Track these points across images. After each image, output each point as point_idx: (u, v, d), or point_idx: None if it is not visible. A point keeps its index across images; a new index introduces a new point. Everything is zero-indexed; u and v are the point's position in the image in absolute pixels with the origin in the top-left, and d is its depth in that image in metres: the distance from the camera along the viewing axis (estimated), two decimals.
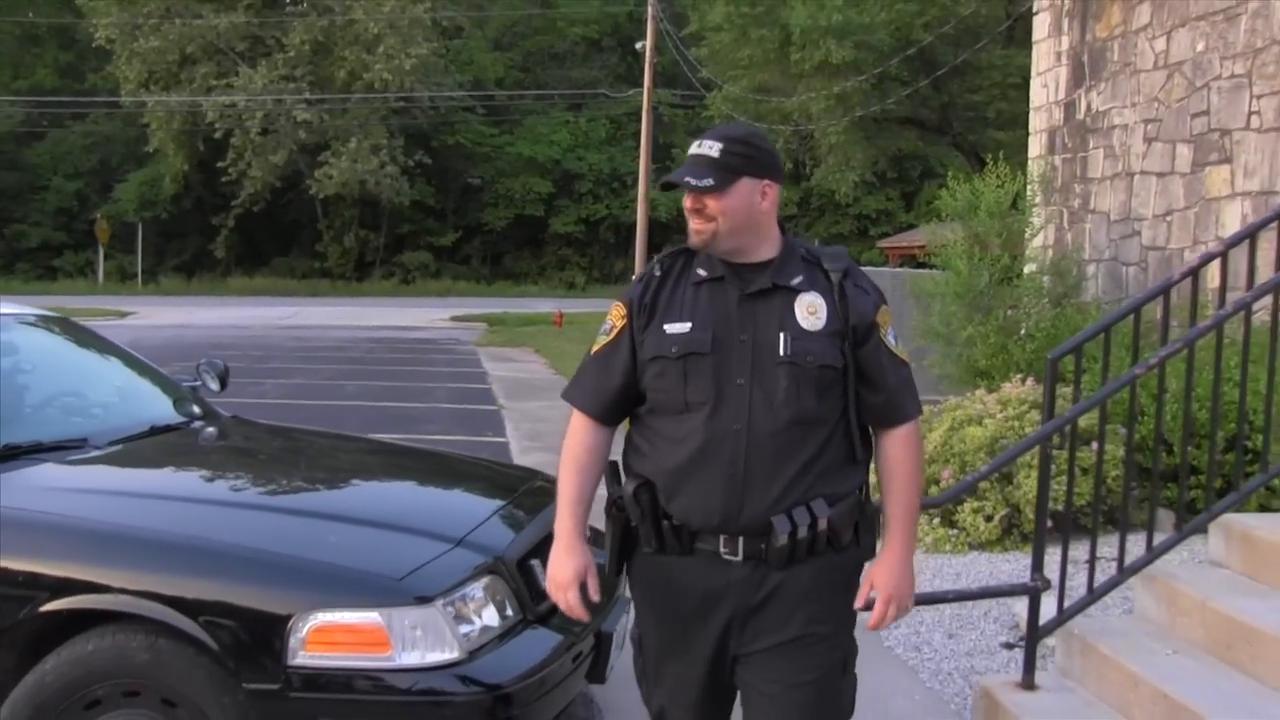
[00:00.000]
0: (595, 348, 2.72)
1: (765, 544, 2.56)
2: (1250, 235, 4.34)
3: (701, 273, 2.65)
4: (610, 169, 46.48)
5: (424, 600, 3.17)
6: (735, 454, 2.55)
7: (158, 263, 46.11)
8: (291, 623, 3.07)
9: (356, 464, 4.72)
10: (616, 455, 2.76)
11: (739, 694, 2.70)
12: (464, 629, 3.22)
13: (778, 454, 2.56)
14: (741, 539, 2.57)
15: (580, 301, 37.70)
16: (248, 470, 4.43)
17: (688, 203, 2.60)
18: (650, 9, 30.48)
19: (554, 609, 3.58)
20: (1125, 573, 4.28)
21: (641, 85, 31.35)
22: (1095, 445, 4.64)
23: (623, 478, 2.69)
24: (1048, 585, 4.14)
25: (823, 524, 2.55)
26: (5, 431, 3.84)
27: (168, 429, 4.45)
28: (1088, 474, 5.43)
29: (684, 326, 2.60)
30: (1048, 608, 4.24)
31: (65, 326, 4.93)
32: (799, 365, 2.56)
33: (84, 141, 46.86)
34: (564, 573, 2.68)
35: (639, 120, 31.48)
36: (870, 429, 2.71)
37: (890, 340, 2.66)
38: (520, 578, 3.53)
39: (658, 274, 2.69)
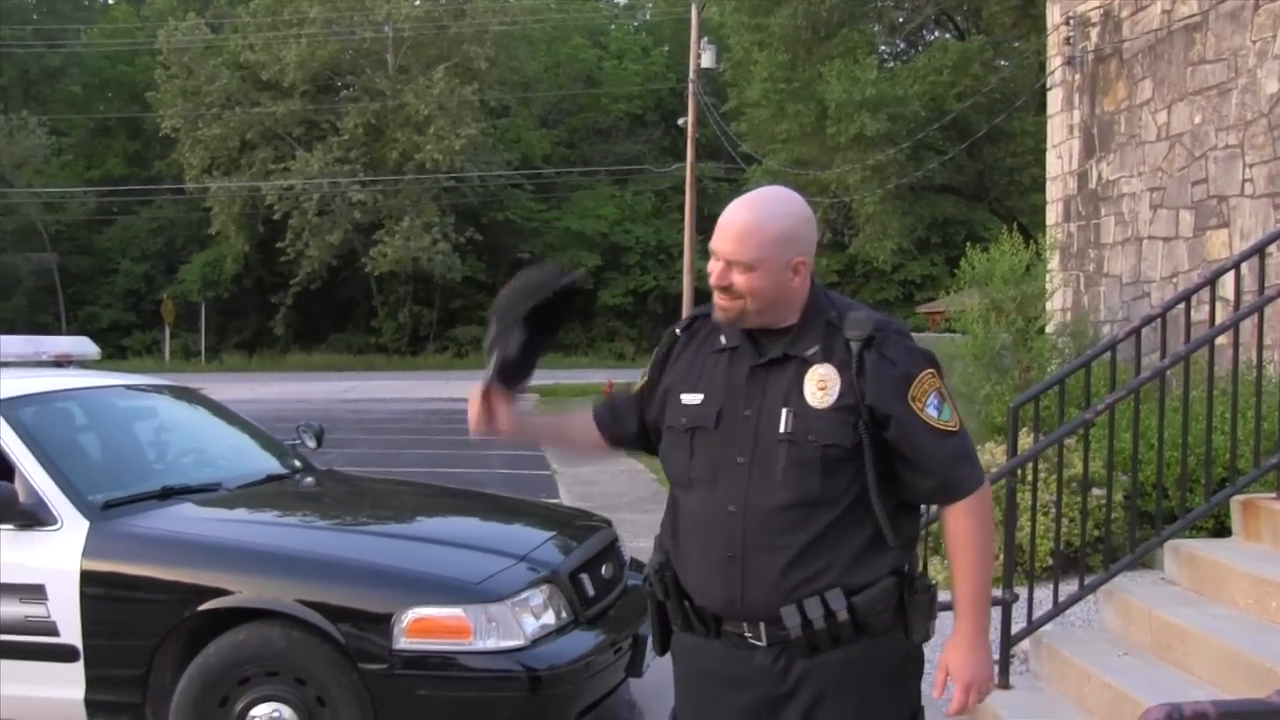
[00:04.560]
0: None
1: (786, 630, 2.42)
2: (1185, 298, 5.14)
3: (723, 340, 2.53)
4: (656, 241, 47.26)
5: (496, 600, 4.02)
6: (731, 537, 2.42)
7: (220, 340, 47.45)
8: (395, 617, 3.93)
9: (437, 502, 5.64)
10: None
11: None
12: (527, 624, 4.05)
13: (775, 537, 2.40)
14: (762, 625, 2.42)
15: (630, 372, 38.05)
16: (349, 507, 5.34)
17: (713, 278, 2.44)
18: (691, 86, 31.49)
19: (601, 614, 4.47)
20: (1085, 590, 5.03)
21: (684, 159, 32.20)
22: (1062, 487, 5.40)
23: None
24: (1015, 598, 4.88)
25: (842, 615, 2.39)
26: (161, 477, 4.80)
27: (280, 477, 5.37)
28: (1089, 514, 6.01)
29: (696, 398, 2.50)
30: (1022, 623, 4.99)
31: (192, 395, 5.88)
32: (799, 444, 2.38)
33: (150, 226, 48.41)
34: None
35: (683, 193, 32.35)
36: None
37: (930, 413, 2.41)
38: (572, 588, 4.37)
39: (678, 332, 2.62)
